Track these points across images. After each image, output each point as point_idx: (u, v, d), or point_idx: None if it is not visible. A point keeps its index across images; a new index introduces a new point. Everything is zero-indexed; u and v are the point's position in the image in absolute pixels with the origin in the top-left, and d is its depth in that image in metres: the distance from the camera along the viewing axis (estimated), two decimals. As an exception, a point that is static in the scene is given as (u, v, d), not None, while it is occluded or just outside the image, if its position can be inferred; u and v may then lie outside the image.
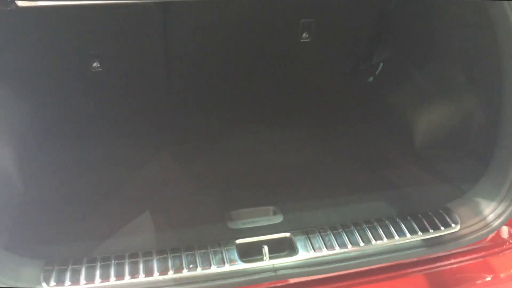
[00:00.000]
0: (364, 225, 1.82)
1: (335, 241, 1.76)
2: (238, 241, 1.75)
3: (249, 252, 1.75)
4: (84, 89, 2.72)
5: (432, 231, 1.80)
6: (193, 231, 1.90)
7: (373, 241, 1.76)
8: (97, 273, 1.61)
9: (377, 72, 3.03)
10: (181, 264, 1.65)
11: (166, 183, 2.19)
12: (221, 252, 1.70)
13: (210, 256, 1.68)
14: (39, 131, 2.49)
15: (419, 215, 1.87)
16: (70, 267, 1.63)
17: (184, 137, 2.62)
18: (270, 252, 1.72)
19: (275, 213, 1.98)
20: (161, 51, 2.64)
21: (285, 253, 1.77)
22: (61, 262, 1.65)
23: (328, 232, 1.79)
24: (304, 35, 2.85)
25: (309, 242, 1.75)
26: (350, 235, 1.78)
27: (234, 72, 2.91)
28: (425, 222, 1.84)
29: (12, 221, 1.92)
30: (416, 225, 1.82)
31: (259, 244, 1.74)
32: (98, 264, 1.65)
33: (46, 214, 2.01)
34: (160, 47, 2.61)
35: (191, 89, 2.95)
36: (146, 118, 2.80)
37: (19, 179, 2.09)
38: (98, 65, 2.63)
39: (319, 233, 1.78)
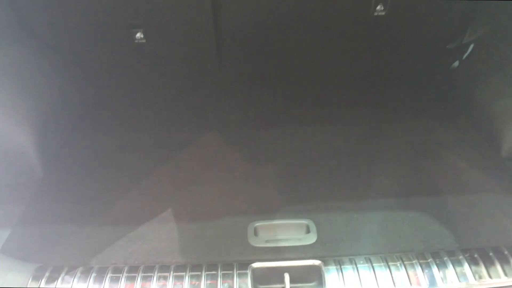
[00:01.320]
0: (415, 260, 1.44)
1: (375, 278, 1.41)
2: (255, 265, 1.46)
3: (267, 278, 1.45)
4: (125, 63, 2.51)
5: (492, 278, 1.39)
6: (207, 244, 1.62)
7: (425, 283, 1.39)
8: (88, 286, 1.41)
9: (466, 55, 2.50)
10: (182, 287, 1.40)
11: (193, 180, 1.92)
12: (232, 277, 1.42)
13: (218, 280, 1.41)
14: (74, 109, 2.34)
15: (487, 254, 1.46)
16: (61, 275, 1.45)
17: (226, 122, 2.32)
18: (292, 281, 1.42)
19: (308, 231, 1.64)
20: (210, 21, 2.33)
21: (312, 284, 1.45)
22: (53, 269, 1.47)
23: (367, 265, 1.44)
24: (378, 7, 2.40)
25: (341, 275, 1.42)
26: (395, 270, 1.42)
27: (293, 50, 2.54)
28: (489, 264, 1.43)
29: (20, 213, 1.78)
30: (484, 267, 1.41)
31: (281, 271, 1.44)
32: (92, 276, 1.44)
33: (56, 210, 1.83)
34: (208, 16, 2.30)
35: (243, 66, 2.63)
36: (190, 97, 2.54)
37: (39, 162, 1.95)
38: (142, 36, 2.40)
39: (356, 265, 1.44)
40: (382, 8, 2.39)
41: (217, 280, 1.41)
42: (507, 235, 1.58)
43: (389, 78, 2.60)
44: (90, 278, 1.43)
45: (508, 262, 1.42)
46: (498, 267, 1.41)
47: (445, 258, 1.43)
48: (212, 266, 1.45)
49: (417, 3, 2.39)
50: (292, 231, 1.63)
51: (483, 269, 1.40)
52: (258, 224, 1.66)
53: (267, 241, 1.60)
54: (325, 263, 1.44)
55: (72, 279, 1.43)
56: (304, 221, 1.67)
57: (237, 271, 1.43)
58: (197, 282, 1.40)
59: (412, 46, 2.60)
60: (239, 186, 1.83)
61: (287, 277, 1.42)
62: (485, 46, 2.37)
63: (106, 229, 1.69)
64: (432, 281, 1.39)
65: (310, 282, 1.45)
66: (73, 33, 2.34)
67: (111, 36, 2.37)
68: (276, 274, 1.45)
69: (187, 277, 1.41)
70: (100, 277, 1.44)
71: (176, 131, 2.23)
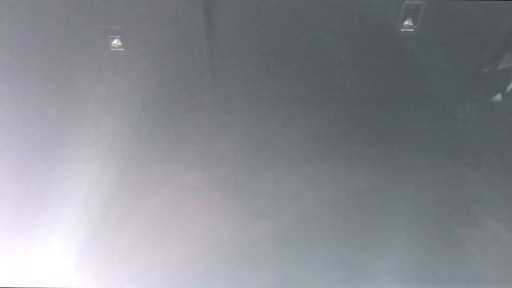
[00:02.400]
0: None
1: None
2: None
3: None
4: (99, 72, 2.10)
5: None
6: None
7: None
8: None
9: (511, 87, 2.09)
10: None
11: (159, 239, 1.52)
12: None
13: None
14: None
15: None
16: None
17: (213, 156, 1.90)
18: None
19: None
20: (201, 28, 1.92)
21: None
22: None
23: None
24: (406, 22, 2.00)
25: None
26: None
27: (298, 66, 2.13)
28: None
29: None
30: None
31: None
32: None
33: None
34: (199, 29, 1.89)
35: (240, 83, 2.22)
36: (173, 120, 2.13)
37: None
38: (119, 44, 1.99)
39: None
40: (411, 23, 1.98)
41: None
42: None
43: (411, 107, 2.19)
44: None
45: None
46: None
47: None
48: None
49: (454, 19, 1.98)
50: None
51: None
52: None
53: None
54: None
55: None
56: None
57: None
58: None
59: (442, 70, 2.19)
60: (220, 260, 1.43)
61: None
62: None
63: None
64: None
65: None
66: (37, 37, 1.94)
67: (83, 42, 1.96)
68: None
69: None
70: None
71: (151, 166, 1.82)
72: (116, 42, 1.98)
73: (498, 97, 2.12)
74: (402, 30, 2.00)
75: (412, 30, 1.99)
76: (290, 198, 1.67)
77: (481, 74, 2.19)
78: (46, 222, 1.59)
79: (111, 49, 1.98)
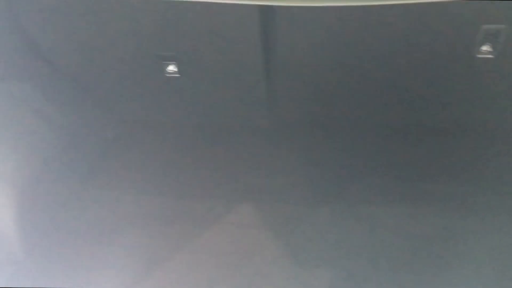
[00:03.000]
0: None
1: None
2: None
3: None
4: (154, 97, 2.05)
5: None
6: None
7: None
8: None
9: None
10: None
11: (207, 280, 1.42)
12: None
13: None
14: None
15: None
16: None
17: (268, 190, 1.79)
18: None
19: None
20: (259, 55, 1.82)
21: None
22: None
23: None
24: (484, 47, 1.79)
25: None
26: None
27: (364, 95, 1.97)
28: None
29: None
30: None
31: None
32: None
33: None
34: (257, 54, 1.79)
35: (299, 113, 2.10)
36: (226, 147, 2.04)
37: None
38: (176, 70, 1.94)
39: None
40: (490, 49, 1.78)
41: None
42: None
43: (489, 141, 1.96)
44: None
45: None
46: None
47: None
48: None
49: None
50: None
51: None
52: None
53: None
54: None
55: None
56: None
57: None
58: None
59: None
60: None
61: None
62: None
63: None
64: None
65: None
66: (94, 61, 1.92)
67: (138, 67, 1.93)
68: None
69: None
70: None
71: (198, 199, 1.74)
72: (171, 68, 1.94)
73: None
74: (479, 56, 1.80)
75: (490, 56, 1.79)
76: (347, 243, 1.51)
77: None
78: (99, 256, 1.55)
79: (166, 74, 1.94)
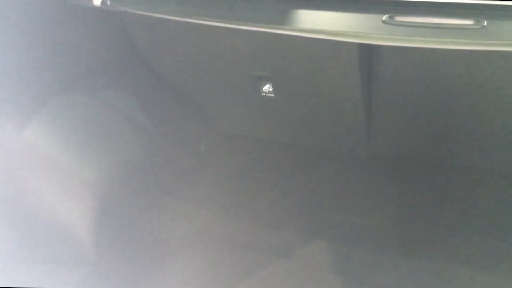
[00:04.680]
0: None
1: None
2: None
3: None
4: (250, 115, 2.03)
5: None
6: None
7: None
8: None
9: None
10: None
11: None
12: None
13: None
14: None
15: None
16: None
17: (350, 230, 1.66)
18: None
19: None
20: (358, 84, 1.70)
21: None
22: None
23: None
24: None
25: None
26: None
27: (465, 131, 1.74)
28: None
29: None
30: None
31: None
32: None
33: None
34: (355, 85, 1.67)
35: (396, 144, 1.93)
36: (315, 174, 1.94)
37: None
38: (270, 90, 1.90)
39: None
40: None
41: None
42: None
43: None
44: None
45: None
46: None
47: None
48: None
49: None
50: None
51: None
52: None
53: None
54: None
55: None
56: None
57: None
58: None
59: None
60: None
61: None
62: None
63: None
64: None
65: None
66: (195, 76, 1.96)
67: (236, 84, 1.93)
68: None
69: None
70: None
71: (275, 227, 1.67)
72: (267, 87, 1.91)
73: None
74: None
75: None
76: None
77: None
78: (162, 270, 1.57)
79: (262, 94, 1.91)
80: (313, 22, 1.31)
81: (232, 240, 1.65)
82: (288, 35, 1.40)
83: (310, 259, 1.53)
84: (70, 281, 1.51)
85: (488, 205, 1.70)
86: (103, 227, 1.61)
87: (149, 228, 1.72)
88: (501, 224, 1.61)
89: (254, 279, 1.49)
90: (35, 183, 1.54)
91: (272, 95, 1.90)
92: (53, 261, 1.55)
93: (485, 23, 1.12)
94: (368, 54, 1.54)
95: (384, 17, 1.20)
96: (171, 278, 1.55)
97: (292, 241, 1.62)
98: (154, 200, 1.82)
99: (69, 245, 1.57)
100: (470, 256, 1.50)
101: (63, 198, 1.56)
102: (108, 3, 1.51)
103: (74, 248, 1.57)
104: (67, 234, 1.57)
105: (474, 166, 1.83)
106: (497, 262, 1.48)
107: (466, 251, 1.52)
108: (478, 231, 1.59)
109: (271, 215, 1.75)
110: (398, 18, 1.18)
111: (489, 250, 1.52)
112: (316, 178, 1.94)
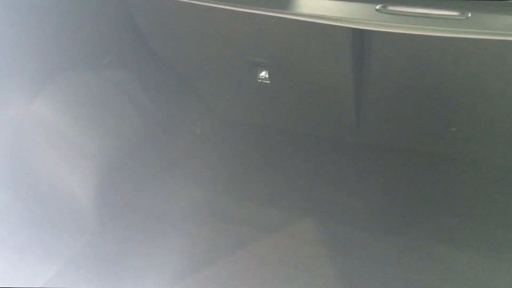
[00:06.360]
0: None
1: None
2: None
3: None
4: (246, 100, 2.13)
5: None
6: None
7: None
8: None
9: None
10: None
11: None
12: None
13: None
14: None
15: None
16: None
17: (338, 209, 1.77)
18: None
19: None
20: (349, 72, 1.80)
21: None
22: None
23: None
24: None
25: None
26: None
27: (459, 118, 1.85)
28: None
29: None
30: None
31: None
32: None
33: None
34: (347, 72, 1.77)
35: (386, 131, 2.03)
36: (306, 157, 2.05)
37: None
38: (266, 76, 1.99)
39: None
40: None
41: None
42: None
43: None
44: None
45: None
46: None
47: None
48: None
49: None
50: None
51: None
52: None
53: None
54: None
55: None
56: None
57: None
58: None
59: None
60: None
61: None
62: None
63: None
64: None
65: None
66: (195, 60, 2.05)
67: (233, 70, 2.02)
68: None
69: None
70: None
71: (267, 204, 1.77)
72: (263, 74, 1.99)
73: None
74: None
75: None
76: (404, 277, 1.44)
77: None
78: (156, 245, 1.66)
79: (258, 80, 2.00)
80: (310, 8, 1.41)
81: (226, 215, 1.74)
82: (284, 21, 1.50)
83: (299, 234, 1.63)
84: (72, 247, 1.60)
85: (468, 189, 1.82)
86: (105, 197, 1.69)
87: (148, 201, 1.81)
88: (480, 206, 1.73)
89: (246, 250, 1.58)
90: (41, 155, 1.62)
91: (268, 81, 2.00)
92: (56, 228, 1.63)
93: (469, 15, 1.23)
94: (361, 42, 1.64)
95: (378, 6, 1.30)
96: (169, 247, 1.63)
97: (283, 217, 1.72)
98: (153, 175, 1.90)
99: (71, 214, 1.65)
100: (451, 235, 1.61)
101: (67, 169, 1.64)
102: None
103: (76, 216, 1.65)
104: (69, 202, 1.65)
105: (461, 155, 1.95)
106: (473, 241, 1.59)
107: (447, 230, 1.63)
108: (458, 214, 1.71)
109: (263, 194, 1.85)
110: (391, 8, 1.29)
111: (468, 229, 1.63)
112: (307, 161, 2.04)
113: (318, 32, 1.62)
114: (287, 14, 1.44)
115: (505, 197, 1.76)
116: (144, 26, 1.98)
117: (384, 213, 1.73)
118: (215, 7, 1.54)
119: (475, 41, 1.33)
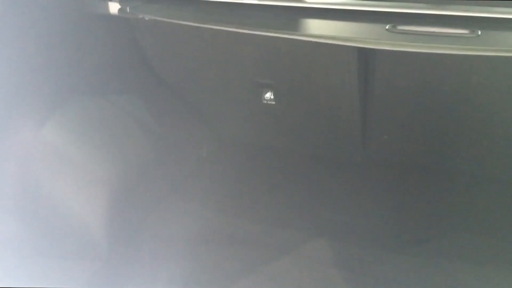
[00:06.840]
0: None
1: None
2: None
3: None
4: (251, 122, 2.13)
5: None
6: None
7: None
8: None
9: None
10: None
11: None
12: None
13: None
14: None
15: None
16: None
17: (348, 229, 1.75)
18: None
19: None
20: (355, 92, 1.81)
21: None
22: None
23: None
24: None
25: None
26: None
27: (464, 139, 1.86)
28: None
29: None
30: None
31: None
32: None
33: None
34: (353, 91, 1.78)
35: (392, 148, 2.03)
36: (316, 179, 2.04)
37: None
38: (272, 97, 1.99)
39: None
40: None
41: None
42: None
43: None
44: None
45: None
46: None
47: None
48: None
49: None
50: None
51: None
52: None
53: None
54: None
55: None
56: None
57: None
58: None
59: None
60: None
61: None
62: None
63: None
64: None
65: None
66: (200, 82, 2.05)
67: (238, 92, 2.02)
68: None
69: None
70: None
71: (276, 225, 1.76)
72: (268, 95, 2.00)
73: None
74: None
75: None
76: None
77: None
78: (163, 268, 1.64)
79: (264, 101, 2.00)
80: (320, 29, 1.42)
81: (236, 237, 1.72)
82: (291, 42, 1.50)
83: (313, 255, 1.61)
84: (80, 277, 1.57)
85: (479, 206, 1.81)
86: (113, 223, 1.67)
87: (155, 226, 1.79)
88: (490, 223, 1.73)
89: (258, 273, 1.56)
90: (49, 180, 1.60)
91: (273, 102, 2.00)
92: (66, 256, 1.60)
93: (479, 33, 1.24)
94: (367, 61, 1.65)
95: (388, 26, 1.31)
96: (177, 273, 1.61)
97: (295, 238, 1.70)
98: (160, 198, 1.89)
99: (81, 241, 1.63)
100: (461, 252, 1.60)
101: (76, 195, 1.62)
102: (128, 10, 1.61)
103: (85, 243, 1.63)
104: (78, 230, 1.63)
105: (468, 171, 1.95)
106: (485, 258, 1.58)
107: (457, 248, 1.63)
108: (469, 230, 1.70)
109: (273, 215, 1.83)
110: (401, 27, 1.30)
111: (480, 246, 1.62)
112: (314, 181, 2.03)
113: (325, 52, 1.63)
114: (294, 35, 1.44)
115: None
116: (151, 51, 1.99)
117: (397, 231, 1.72)
118: (220, 30, 1.55)
119: (485, 58, 1.34)
